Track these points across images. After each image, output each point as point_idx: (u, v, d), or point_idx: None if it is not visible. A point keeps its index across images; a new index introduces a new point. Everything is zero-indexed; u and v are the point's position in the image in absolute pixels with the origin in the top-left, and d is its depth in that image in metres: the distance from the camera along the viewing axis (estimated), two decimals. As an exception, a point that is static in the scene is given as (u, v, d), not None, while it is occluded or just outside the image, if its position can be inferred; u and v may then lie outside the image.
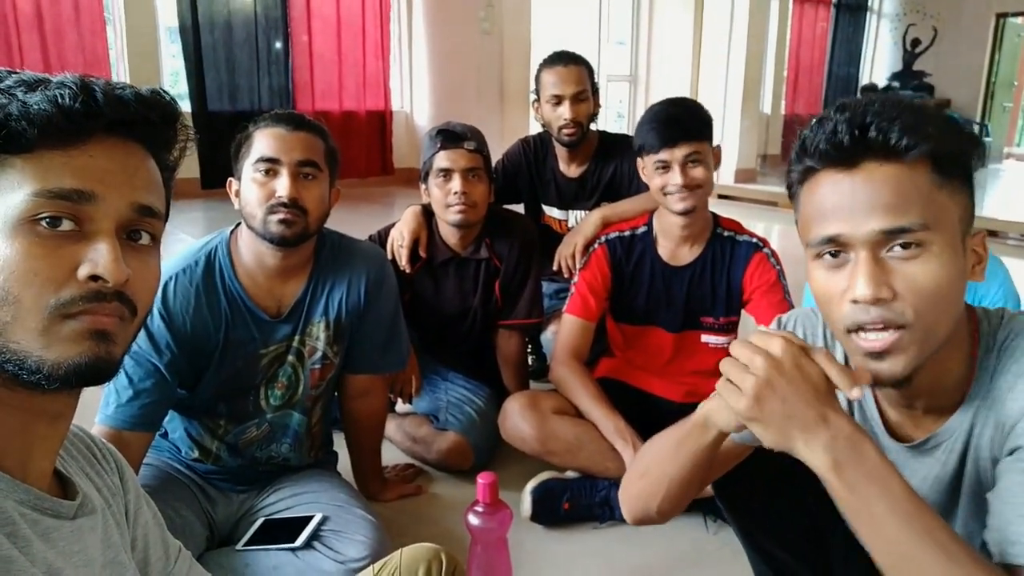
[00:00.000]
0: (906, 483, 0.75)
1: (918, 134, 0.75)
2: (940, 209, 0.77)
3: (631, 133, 2.02)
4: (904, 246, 0.76)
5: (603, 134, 2.42)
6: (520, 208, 2.50)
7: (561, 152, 2.40)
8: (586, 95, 2.29)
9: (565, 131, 2.28)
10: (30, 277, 0.61)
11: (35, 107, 0.61)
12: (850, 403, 0.93)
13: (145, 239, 0.69)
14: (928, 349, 0.78)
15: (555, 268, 2.08)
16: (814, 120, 0.82)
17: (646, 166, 1.79)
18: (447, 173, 1.93)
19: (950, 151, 0.77)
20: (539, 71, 2.36)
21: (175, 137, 0.73)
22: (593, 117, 2.34)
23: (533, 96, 2.39)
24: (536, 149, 2.46)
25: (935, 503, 0.88)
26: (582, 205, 2.39)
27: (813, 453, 0.76)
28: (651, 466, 1.00)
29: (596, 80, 2.38)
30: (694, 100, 1.90)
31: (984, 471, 0.84)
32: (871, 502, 0.74)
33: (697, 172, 1.74)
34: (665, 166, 1.74)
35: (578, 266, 1.97)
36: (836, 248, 0.79)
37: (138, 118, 0.67)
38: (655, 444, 1.01)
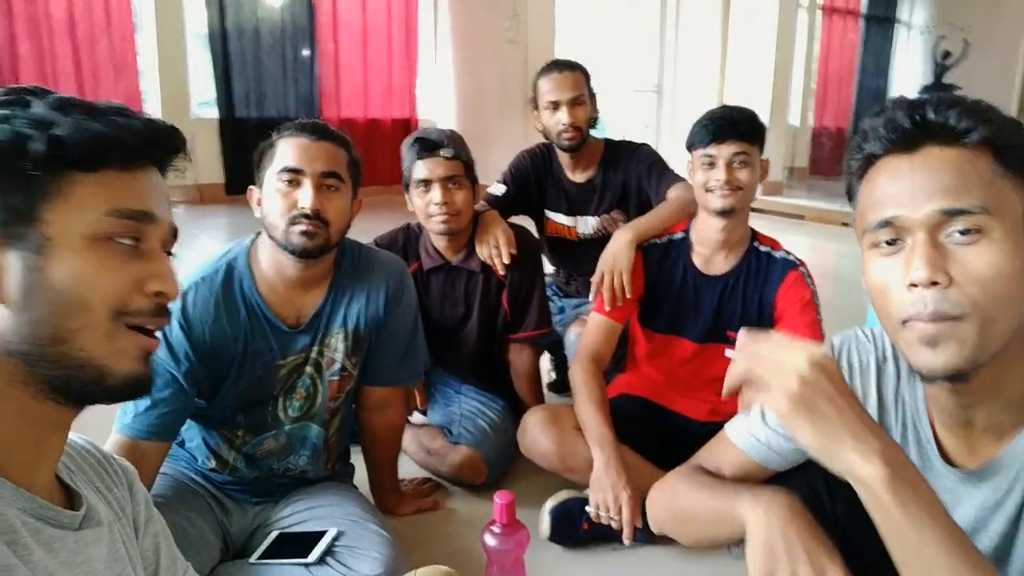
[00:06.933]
0: (948, 514, 0.71)
1: (978, 118, 0.74)
2: (1002, 196, 0.74)
3: (656, 144, 1.97)
4: (963, 232, 0.73)
5: (608, 141, 2.39)
6: (524, 223, 2.46)
7: (564, 158, 2.37)
8: (583, 99, 2.26)
9: (565, 136, 2.26)
10: (103, 288, 0.66)
11: (106, 131, 0.67)
12: (904, 425, 0.90)
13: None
14: (987, 345, 0.73)
15: (592, 298, 1.96)
16: (873, 113, 0.81)
17: (692, 162, 1.78)
18: (426, 183, 1.89)
19: (1012, 143, 0.75)
20: (536, 80, 2.34)
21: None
22: (593, 123, 2.32)
23: (532, 105, 2.37)
24: (543, 157, 2.44)
25: (991, 533, 0.84)
26: (590, 210, 2.37)
27: (866, 460, 0.70)
28: (684, 520, 1.06)
29: (592, 87, 2.34)
30: (750, 108, 1.86)
31: None
32: (921, 524, 0.69)
33: (742, 174, 1.73)
34: (711, 162, 1.74)
35: (618, 303, 1.87)
36: (892, 235, 0.77)
37: (171, 148, 0.74)
38: (691, 497, 1.02)
